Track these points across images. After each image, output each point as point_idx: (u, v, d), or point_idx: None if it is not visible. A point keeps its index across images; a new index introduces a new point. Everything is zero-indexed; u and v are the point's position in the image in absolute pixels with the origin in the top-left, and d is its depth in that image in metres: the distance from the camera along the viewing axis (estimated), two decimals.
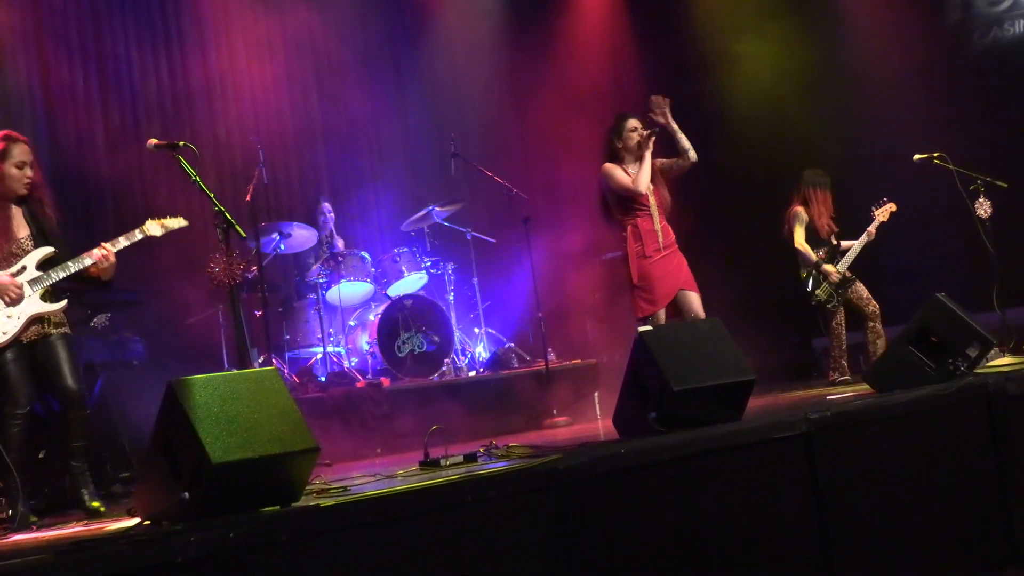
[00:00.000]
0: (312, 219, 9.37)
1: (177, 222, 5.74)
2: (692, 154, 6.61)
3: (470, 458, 5.03)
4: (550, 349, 8.97)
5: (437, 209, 9.42)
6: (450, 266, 9.52)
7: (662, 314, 6.47)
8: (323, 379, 8.33)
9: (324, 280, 8.81)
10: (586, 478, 4.09)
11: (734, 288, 8.90)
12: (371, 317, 8.88)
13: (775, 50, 10.43)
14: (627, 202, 6.57)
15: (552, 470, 4.06)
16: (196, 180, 5.28)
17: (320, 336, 8.64)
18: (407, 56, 11.44)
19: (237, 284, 5.50)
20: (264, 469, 3.78)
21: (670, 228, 6.63)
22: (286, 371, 8.42)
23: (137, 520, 3.99)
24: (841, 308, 7.87)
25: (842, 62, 10.35)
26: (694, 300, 6.51)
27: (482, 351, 9.56)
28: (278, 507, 3.82)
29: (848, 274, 7.85)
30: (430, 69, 11.45)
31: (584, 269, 9.88)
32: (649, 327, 5.21)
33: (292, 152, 10.50)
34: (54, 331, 5.35)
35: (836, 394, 6.32)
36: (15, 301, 5.20)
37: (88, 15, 9.24)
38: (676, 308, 6.56)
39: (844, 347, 7.88)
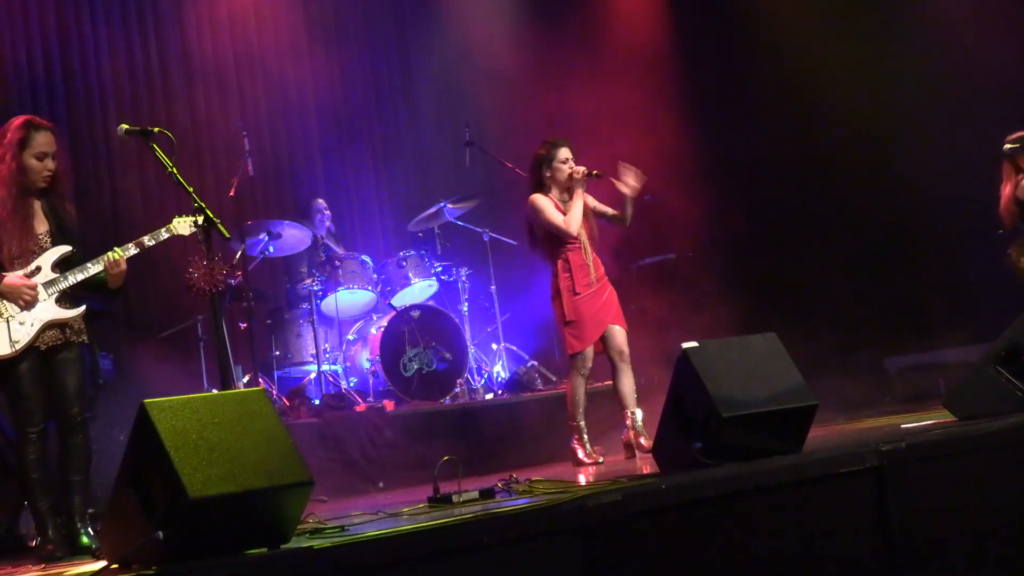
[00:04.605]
0: (307, 219, 9.37)
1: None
2: (628, 223, 7.07)
3: (487, 494, 5.05)
4: None
5: (449, 206, 9.44)
6: (464, 272, 9.54)
7: (590, 351, 6.96)
8: (317, 402, 8.35)
9: (319, 288, 8.84)
10: (620, 518, 4.09)
11: (791, 297, 8.87)
12: (373, 331, 8.91)
13: (839, 31, 10.38)
14: (556, 237, 6.96)
15: (581, 508, 4.06)
16: (173, 172, 5.32)
17: (314, 352, 8.66)
18: (414, 29, 11.48)
19: (219, 292, 5.53)
20: (249, 505, 3.80)
21: (599, 261, 7.08)
22: (275, 392, 8.46)
23: (103, 564, 4.01)
24: None
25: (918, 44, 10.24)
26: (620, 336, 6.96)
27: (501, 370, 9.56)
28: (265, 549, 3.84)
29: None
30: (441, 44, 11.47)
31: (618, 276, 9.83)
32: (694, 343, 5.18)
33: (283, 141, 10.55)
34: (74, 339, 5.47)
35: (911, 423, 6.30)
36: (29, 305, 5.31)
37: None
38: (602, 343, 7.00)
39: None
